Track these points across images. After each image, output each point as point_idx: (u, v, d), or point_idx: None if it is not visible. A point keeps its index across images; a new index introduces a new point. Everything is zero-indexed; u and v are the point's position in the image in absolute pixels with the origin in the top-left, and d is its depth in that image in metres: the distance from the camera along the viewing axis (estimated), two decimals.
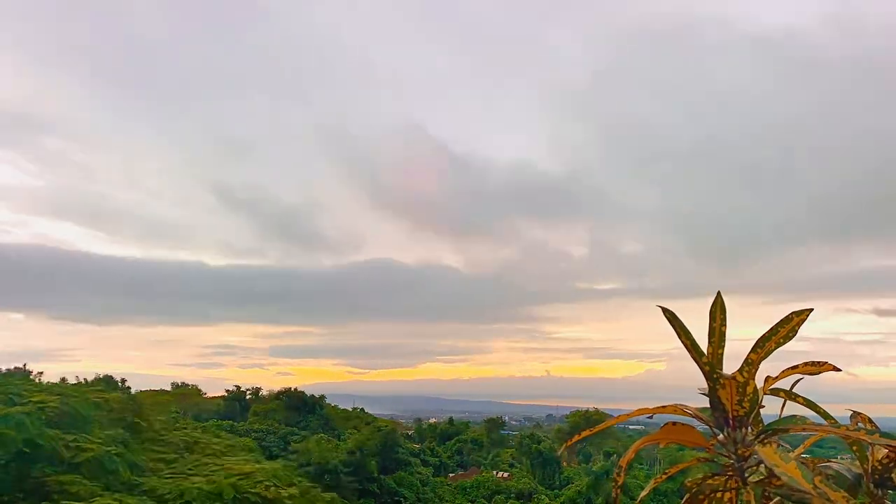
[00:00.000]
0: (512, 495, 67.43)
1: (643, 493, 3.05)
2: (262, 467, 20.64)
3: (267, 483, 18.72)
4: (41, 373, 49.66)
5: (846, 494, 1.94)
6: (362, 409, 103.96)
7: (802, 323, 2.29)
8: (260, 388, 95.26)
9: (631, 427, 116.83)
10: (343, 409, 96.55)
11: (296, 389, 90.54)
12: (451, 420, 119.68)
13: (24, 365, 49.79)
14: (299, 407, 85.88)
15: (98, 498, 15.22)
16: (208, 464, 20.24)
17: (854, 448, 2.47)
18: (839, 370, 2.45)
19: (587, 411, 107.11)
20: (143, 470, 18.87)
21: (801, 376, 2.51)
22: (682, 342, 2.29)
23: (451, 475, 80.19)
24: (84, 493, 15.51)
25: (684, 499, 2.30)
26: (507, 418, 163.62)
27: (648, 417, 2.43)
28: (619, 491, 2.48)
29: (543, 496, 68.64)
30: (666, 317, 2.30)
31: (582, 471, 79.83)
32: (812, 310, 2.29)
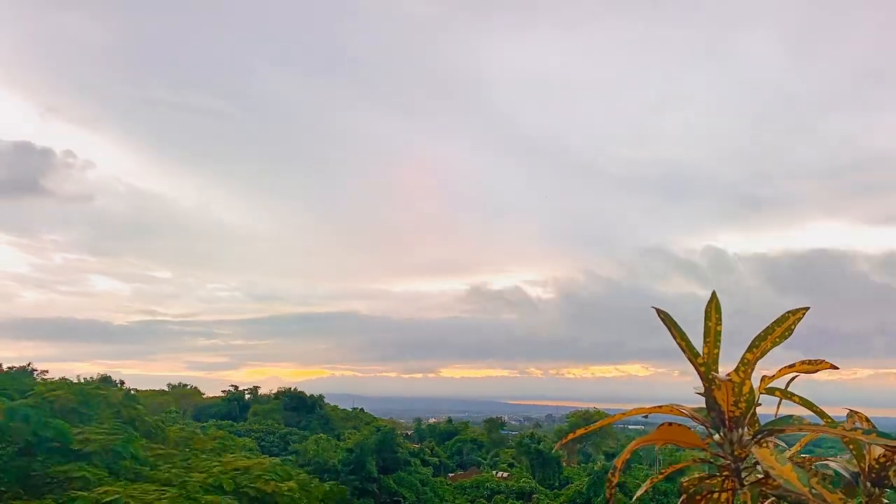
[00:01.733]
0: (512, 495, 67.40)
1: (639, 493, 3.04)
2: (259, 462, 20.67)
3: (266, 477, 18.72)
4: (46, 371, 50.16)
5: (843, 496, 1.92)
6: (361, 409, 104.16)
7: (798, 322, 2.27)
8: (259, 388, 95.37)
9: (631, 427, 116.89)
10: (342, 409, 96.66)
11: (295, 389, 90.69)
12: (450, 420, 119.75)
13: (29, 364, 50.21)
14: (299, 407, 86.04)
15: (104, 486, 15.18)
16: (205, 460, 20.23)
17: (851, 447, 2.46)
18: (836, 368, 2.43)
19: (587, 411, 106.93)
20: (143, 463, 18.89)
21: (796, 375, 2.49)
22: (678, 343, 2.28)
23: (450, 475, 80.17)
24: (91, 478, 15.51)
25: (681, 499, 2.29)
26: (506, 418, 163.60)
27: (645, 417, 2.42)
28: (613, 490, 2.46)
29: (543, 496, 68.61)
30: (660, 318, 2.29)
31: (581, 471, 79.75)
32: (808, 308, 2.28)
